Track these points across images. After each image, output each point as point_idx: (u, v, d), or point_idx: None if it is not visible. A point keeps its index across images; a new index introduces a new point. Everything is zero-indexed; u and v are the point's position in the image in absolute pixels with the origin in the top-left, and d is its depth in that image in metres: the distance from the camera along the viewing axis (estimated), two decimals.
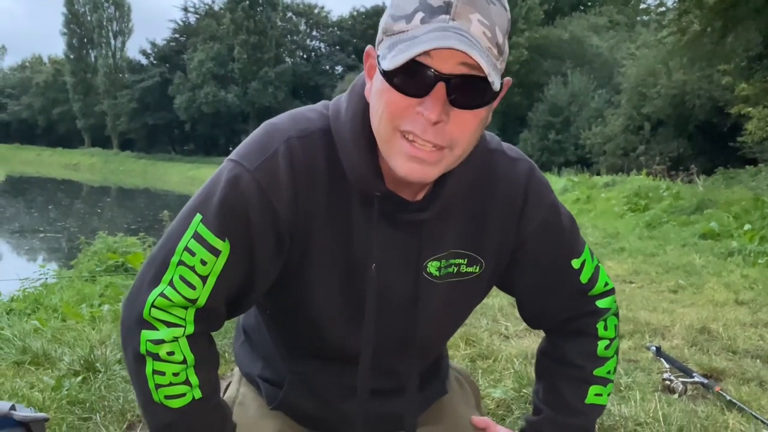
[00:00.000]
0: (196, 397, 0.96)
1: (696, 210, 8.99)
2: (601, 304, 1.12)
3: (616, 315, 1.15)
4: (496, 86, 0.80)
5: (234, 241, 0.92)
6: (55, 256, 10.55)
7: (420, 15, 0.80)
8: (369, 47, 0.90)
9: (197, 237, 0.91)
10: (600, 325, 1.12)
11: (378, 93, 0.86)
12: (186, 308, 0.93)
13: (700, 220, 8.30)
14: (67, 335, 3.33)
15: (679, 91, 19.41)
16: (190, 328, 0.93)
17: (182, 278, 0.91)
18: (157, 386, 0.94)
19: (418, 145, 0.84)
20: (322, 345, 1.06)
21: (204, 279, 0.92)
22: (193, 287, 0.92)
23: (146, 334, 0.92)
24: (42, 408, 2.26)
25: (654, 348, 2.84)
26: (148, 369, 0.93)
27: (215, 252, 0.91)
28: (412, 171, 0.86)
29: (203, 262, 0.91)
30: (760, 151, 15.59)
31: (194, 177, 32.26)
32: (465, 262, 1.04)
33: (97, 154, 50.18)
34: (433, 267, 1.02)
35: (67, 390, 2.51)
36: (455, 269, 1.03)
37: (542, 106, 27.67)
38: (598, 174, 18.49)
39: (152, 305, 0.92)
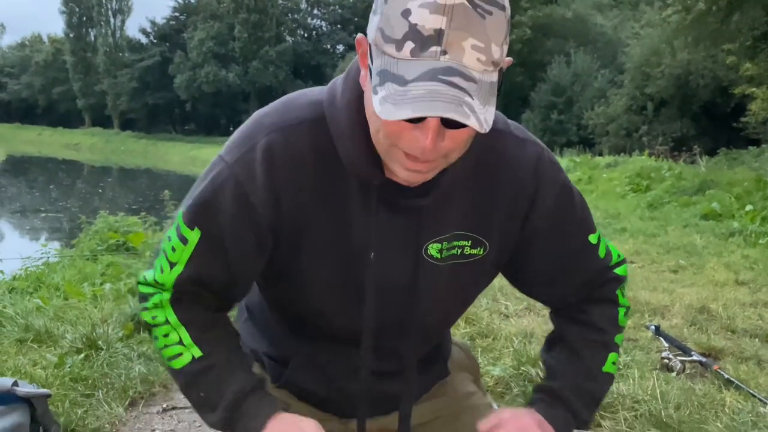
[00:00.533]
0: (196, 356, 0.99)
1: (698, 191, 8.98)
2: (619, 271, 1.13)
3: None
4: (487, 125, 0.77)
5: (204, 231, 0.96)
6: (57, 235, 10.57)
7: (410, 45, 0.76)
8: (360, 36, 0.88)
9: (177, 227, 0.98)
10: (619, 292, 1.13)
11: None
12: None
13: (702, 200, 8.28)
14: (69, 313, 3.36)
15: (683, 70, 19.27)
16: (168, 295, 1.00)
17: (160, 264, 0.99)
18: (160, 350, 1.02)
19: (416, 161, 0.85)
20: (324, 328, 1.07)
21: (172, 265, 0.98)
22: (162, 271, 0.99)
23: (141, 305, 1.04)
24: (45, 385, 2.28)
25: (653, 327, 2.85)
26: (153, 337, 1.03)
27: (184, 240, 0.97)
28: (409, 177, 0.88)
29: (173, 249, 0.98)
30: (763, 132, 15.54)
31: (195, 157, 32.21)
32: (469, 244, 1.02)
33: (97, 134, 50.05)
34: (434, 249, 1.01)
35: (69, 367, 2.53)
36: (458, 251, 1.02)
37: (545, 86, 27.49)
38: (600, 154, 18.43)
39: (138, 282, 1.04)
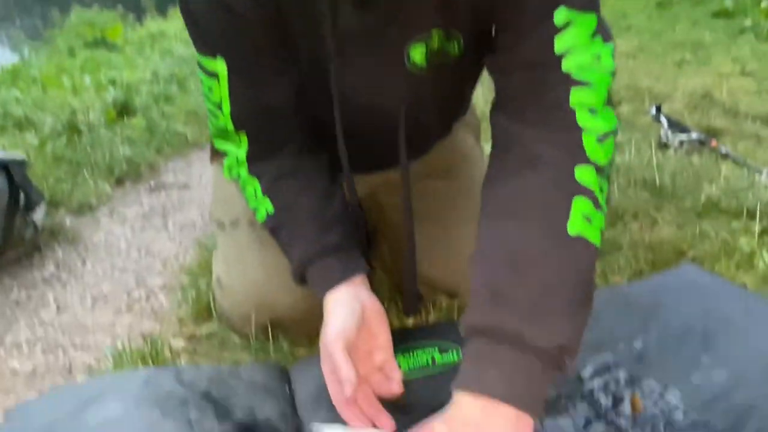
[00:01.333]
0: (269, 211, 0.95)
1: None
2: (577, 76, 0.74)
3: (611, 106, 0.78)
4: None
5: (223, 53, 0.87)
6: (32, 41, 10.09)
7: None
8: None
9: (201, 68, 0.90)
10: (576, 100, 0.74)
11: None
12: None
13: None
14: (48, 104, 3.24)
15: None
16: (243, 153, 0.95)
17: (210, 112, 0.93)
18: (247, 201, 0.99)
19: None
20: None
21: (219, 106, 0.91)
22: (216, 117, 0.93)
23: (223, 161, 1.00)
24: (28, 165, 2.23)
25: (654, 108, 2.76)
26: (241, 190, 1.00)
27: (214, 75, 0.88)
28: None
29: (210, 90, 0.90)
30: None
31: None
32: (444, 37, 0.86)
33: None
34: (417, 52, 0.86)
35: (51, 149, 2.48)
36: (437, 46, 0.87)
37: None
38: None
39: (211, 142, 1.05)
